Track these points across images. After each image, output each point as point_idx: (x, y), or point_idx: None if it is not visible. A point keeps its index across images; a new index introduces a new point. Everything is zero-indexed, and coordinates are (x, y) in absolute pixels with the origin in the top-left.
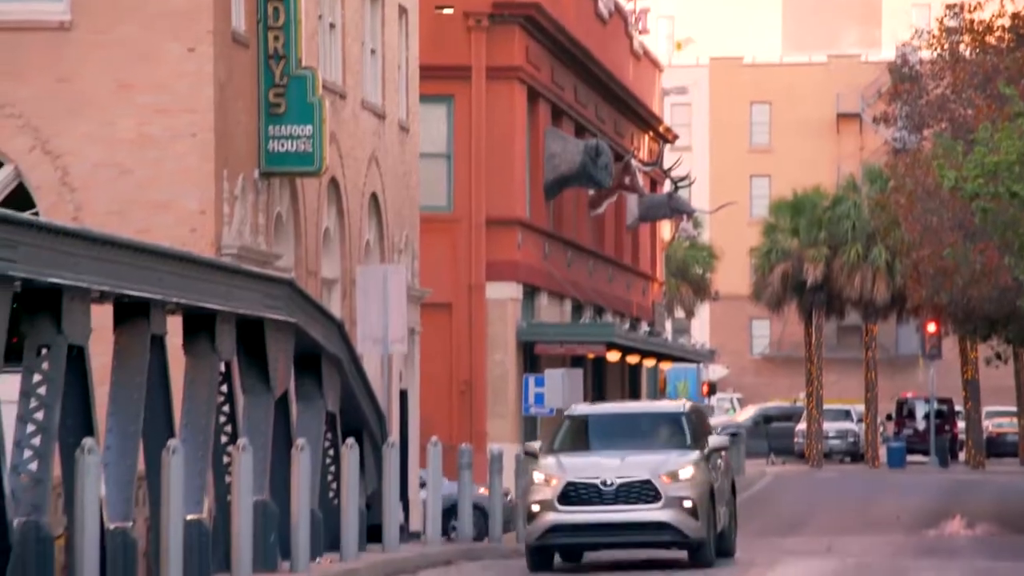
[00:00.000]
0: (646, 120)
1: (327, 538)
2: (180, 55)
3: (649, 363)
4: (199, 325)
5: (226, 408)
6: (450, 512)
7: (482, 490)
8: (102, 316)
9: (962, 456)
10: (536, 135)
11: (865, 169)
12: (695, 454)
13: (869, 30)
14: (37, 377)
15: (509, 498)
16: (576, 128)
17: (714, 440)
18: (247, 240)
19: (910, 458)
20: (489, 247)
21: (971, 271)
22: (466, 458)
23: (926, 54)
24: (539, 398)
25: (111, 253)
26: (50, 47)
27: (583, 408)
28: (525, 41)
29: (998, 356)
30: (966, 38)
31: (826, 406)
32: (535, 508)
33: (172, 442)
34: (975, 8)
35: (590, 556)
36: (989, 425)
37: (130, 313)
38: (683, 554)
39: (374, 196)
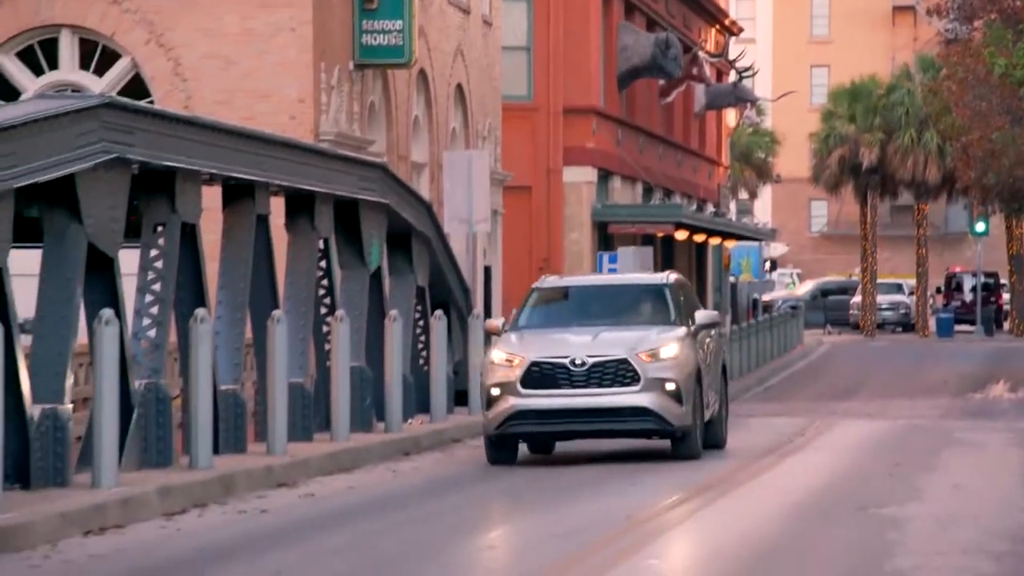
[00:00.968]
0: (713, 14)
1: (418, 402)
2: None
3: (714, 242)
4: (300, 206)
5: (325, 282)
6: None
7: None
8: (212, 197)
9: (1006, 326)
10: (610, 29)
11: (918, 58)
12: (680, 331)
13: None
14: (154, 252)
15: None
16: (647, 22)
17: (702, 315)
18: (343, 127)
19: (957, 328)
20: (566, 134)
21: (1017, 153)
22: None
23: None
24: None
25: (219, 139)
26: None
27: (553, 280)
28: None
29: None
30: None
31: (879, 280)
32: (494, 392)
33: (276, 313)
34: None
35: (562, 447)
36: None
37: (237, 194)
38: (666, 444)
39: (459, 87)
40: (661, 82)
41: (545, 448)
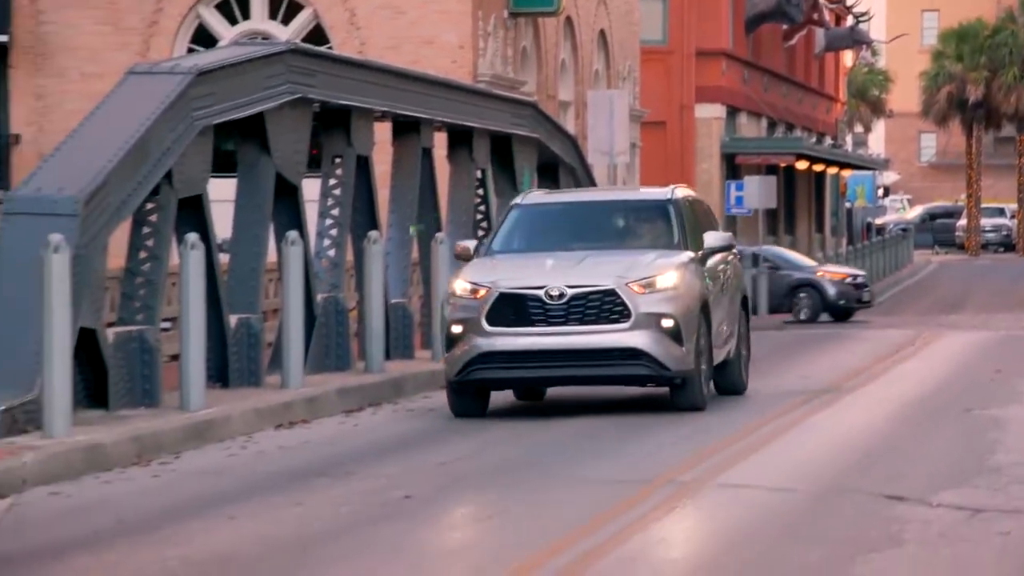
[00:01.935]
0: None
1: None
2: None
3: (832, 171)
4: (459, 140)
5: (482, 207)
6: None
7: None
8: (382, 132)
9: None
10: None
11: (1022, 2)
12: (683, 256)
13: None
14: (332, 181)
15: None
16: None
17: (713, 237)
18: (498, 69)
19: None
20: (697, 74)
21: None
22: None
23: None
24: (739, 200)
25: (389, 80)
26: None
27: (537, 195)
28: None
29: None
30: None
31: (983, 205)
32: (456, 330)
33: (439, 235)
34: None
35: (553, 393)
36: None
37: (405, 130)
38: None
39: (602, 32)
40: (784, 26)
41: (534, 395)
